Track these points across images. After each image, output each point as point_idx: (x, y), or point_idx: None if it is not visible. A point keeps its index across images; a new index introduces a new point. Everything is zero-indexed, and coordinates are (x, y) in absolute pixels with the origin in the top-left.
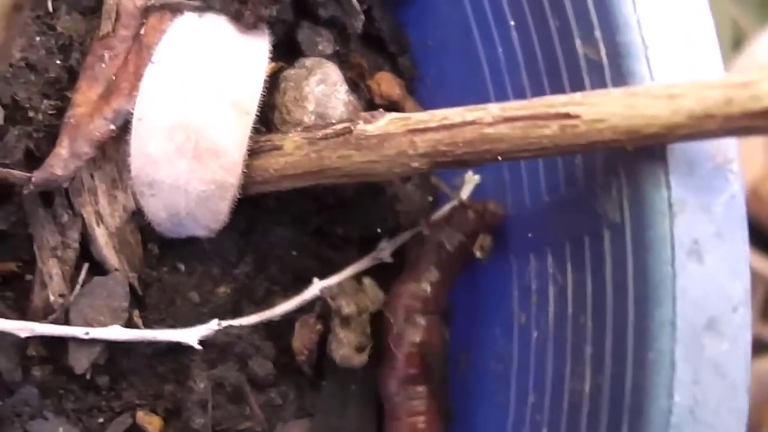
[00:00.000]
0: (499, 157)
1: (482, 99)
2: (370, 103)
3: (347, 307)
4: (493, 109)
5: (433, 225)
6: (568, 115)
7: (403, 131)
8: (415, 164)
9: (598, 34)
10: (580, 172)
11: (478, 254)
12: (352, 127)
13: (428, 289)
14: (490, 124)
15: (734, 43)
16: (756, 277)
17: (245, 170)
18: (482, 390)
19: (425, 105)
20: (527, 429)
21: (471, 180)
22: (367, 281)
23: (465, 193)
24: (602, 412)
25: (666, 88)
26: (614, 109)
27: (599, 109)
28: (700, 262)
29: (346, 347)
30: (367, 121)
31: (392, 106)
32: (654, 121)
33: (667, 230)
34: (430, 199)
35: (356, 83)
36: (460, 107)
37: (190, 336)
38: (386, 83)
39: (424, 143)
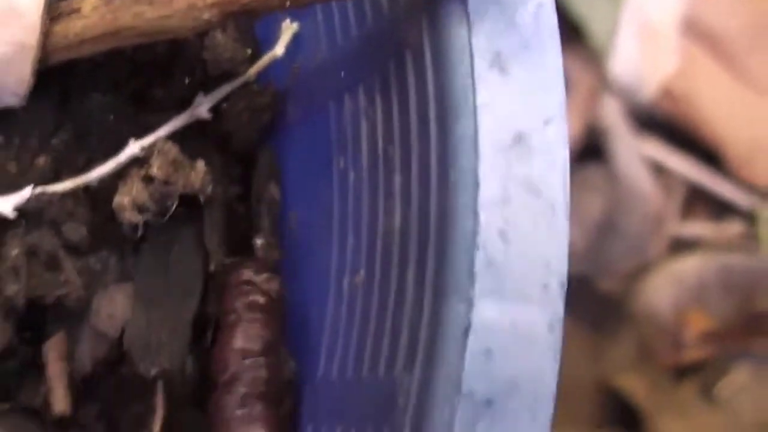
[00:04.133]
0: (288, 2)
1: None
2: None
3: (157, 169)
4: None
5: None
6: None
7: None
8: (206, 16)
9: None
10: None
11: None
12: None
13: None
14: None
15: None
16: (673, 176)
17: (47, 37)
18: (309, 243)
19: None
20: (348, 273)
21: (288, 29)
22: (200, 164)
23: (282, 44)
24: (411, 243)
25: None
26: None
27: None
28: (503, 74)
29: (128, 199)
30: None
31: None
32: None
33: (465, 42)
34: (249, 51)
35: None
36: None
37: (4, 204)
38: None
39: None
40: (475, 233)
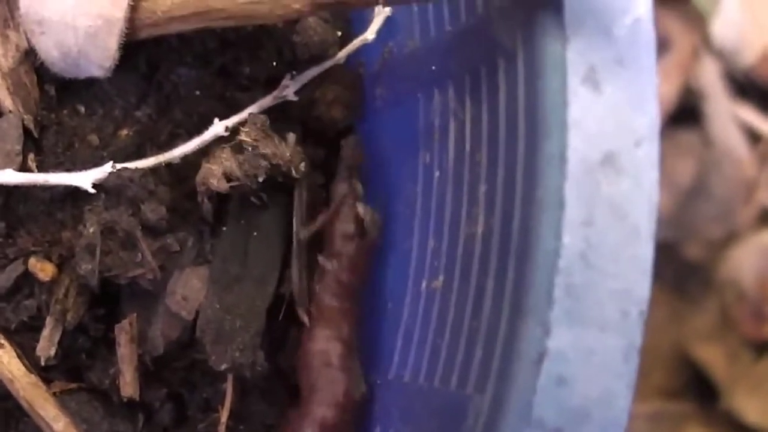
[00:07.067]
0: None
1: None
2: None
3: (247, 136)
4: None
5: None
6: None
7: None
8: (297, 6)
9: None
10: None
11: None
12: None
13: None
14: None
15: None
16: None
17: (135, 12)
18: (391, 238)
19: None
20: (426, 275)
21: (381, 13)
22: (291, 136)
23: (374, 29)
24: (492, 256)
25: None
26: None
27: None
28: (596, 91)
29: (217, 168)
30: None
31: None
32: None
33: (559, 55)
34: (339, 34)
35: None
36: None
37: (83, 179)
38: None
39: None
40: (556, 255)
